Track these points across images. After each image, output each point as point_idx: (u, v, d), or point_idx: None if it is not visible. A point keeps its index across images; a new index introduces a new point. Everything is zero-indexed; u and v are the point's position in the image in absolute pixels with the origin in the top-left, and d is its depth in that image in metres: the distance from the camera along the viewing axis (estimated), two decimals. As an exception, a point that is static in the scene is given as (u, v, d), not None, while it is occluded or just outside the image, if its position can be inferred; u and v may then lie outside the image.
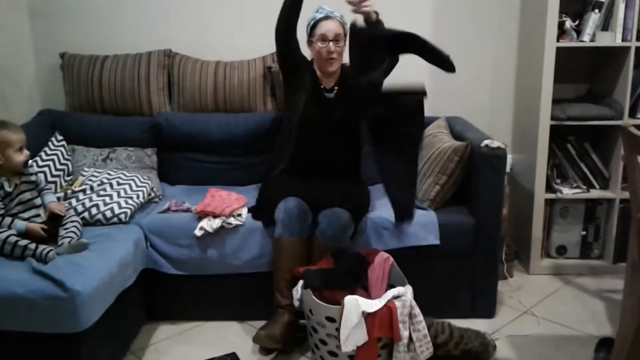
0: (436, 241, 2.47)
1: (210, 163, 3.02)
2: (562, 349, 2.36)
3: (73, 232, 2.23)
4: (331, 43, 2.58)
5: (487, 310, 2.59)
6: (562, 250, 3.06)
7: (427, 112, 3.22)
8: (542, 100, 2.84)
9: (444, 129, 2.86)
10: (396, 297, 2.09)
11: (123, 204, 2.52)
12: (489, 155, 2.43)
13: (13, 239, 2.10)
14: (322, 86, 2.68)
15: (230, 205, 2.52)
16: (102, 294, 2.01)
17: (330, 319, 2.06)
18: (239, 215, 2.52)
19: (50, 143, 2.84)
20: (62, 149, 2.85)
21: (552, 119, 2.86)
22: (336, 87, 2.70)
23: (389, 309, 2.04)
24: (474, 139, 2.57)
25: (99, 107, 3.08)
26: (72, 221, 2.29)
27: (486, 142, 2.45)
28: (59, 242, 2.17)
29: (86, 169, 2.78)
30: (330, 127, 2.62)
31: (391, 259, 2.28)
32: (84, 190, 2.57)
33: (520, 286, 2.91)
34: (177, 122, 2.99)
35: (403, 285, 2.19)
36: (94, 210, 2.47)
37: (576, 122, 2.86)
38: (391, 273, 2.29)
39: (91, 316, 1.93)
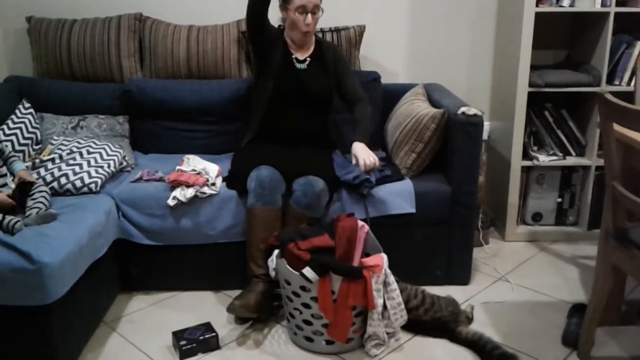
0: (412, 209, 2.45)
1: (183, 131, 2.96)
2: (536, 314, 2.38)
3: (41, 202, 2.17)
4: (309, 15, 2.51)
5: (462, 277, 2.60)
6: (537, 217, 3.08)
7: (405, 79, 3.23)
8: (520, 67, 2.81)
9: (422, 96, 2.82)
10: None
11: (93, 173, 2.46)
12: (466, 122, 2.41)
13: (-22, 209, 2.04)
14: (293, 56, 2.61)
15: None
16: (72, 266, 1.96)
17: (305, 289, 2.05)
18: (213, 184, 2.47)
19: (17, 111, 2.75)
20: (29, 116, 2.76)
21: (530, 85, 2.84)
22: (309, 58, 2.63)
23: (363, 277, 2.03)
24: (451, 106, 2.54)
25: (68, 73, 2.98)
26: (41, 191, 2.23)
27: (463, 109, 2.43)
28: (27, 213, 2.11)
29: (55, 138, 2.70)
30: (301, 97, 2.57)
31: (366, 227, 2.26)
32: (52, 159, 2.50)
33: (496, 253, 2.93)
34: (148, 89, 2.91)
35: (378, 253, 2.18)
36: (63, 180, 2.40)
37: (554, 89, 2.84)
38: (367, 241, 2.28)
39: (60, 288, 1.89)
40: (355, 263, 2.27)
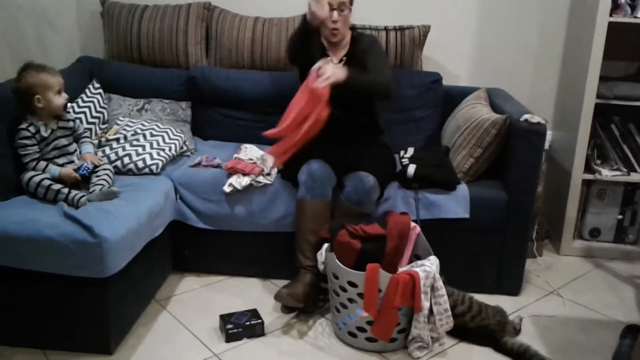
0: (466, 215, 2.42)
1: (243, 120, 3.01)
2: (587, 332, 2.32)
3: (105, 179, 2.25)
4: (335, 12, 2.49)
5: (513, 287, 2.55)
6: (595, 233, 2.98)
7: (468, 82, 3.18)
8: (589, 77, 2.73)
9: (484, 100, 2.77)
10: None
11: (155, 156, 2.53)
12: (528, 130, 2.35)
13: (47, 182, 2.14)
14: (329, 57, 2.59)
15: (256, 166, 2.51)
16: (130, 242, 2.04)
17: (352, 284, 2.06)
18: (268, 174, 2.51)
19: (87, 90, 2.86)
20: (98, 96, 2.87)
21: (598, 97, 2.75)
22: (344, 58, 2.62)
23: (412, 277, 2.02)
24: (513, 112, 2.49)
25: (137, 57, 3.08)
26: (105, 169, 2.32)
27: (526, 116, 2.37)
28: (91, 189, 2.20)
29: (121, 118, 2.79)
30: (338, 99, 2.55)
31: (418, 228, 2.25)
32: (117, 139, 2.59)
33: (549, 266, 2.86)
34: (212, 77, 2.97)
35: (429, 256, 2.16)
36: (126, 160, 2.49)
37: (623, 102, 2.75)
38: (417, 243, 2.27)
39: (118, 263, 1.96)
40: (404, 262, 2.28)
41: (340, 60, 2.62)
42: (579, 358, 2.15)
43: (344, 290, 2.09)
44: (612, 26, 2.68)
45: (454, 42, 3.15)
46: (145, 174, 2.49)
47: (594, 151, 2.92)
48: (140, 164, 2.48)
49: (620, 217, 2.95)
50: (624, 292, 2.65)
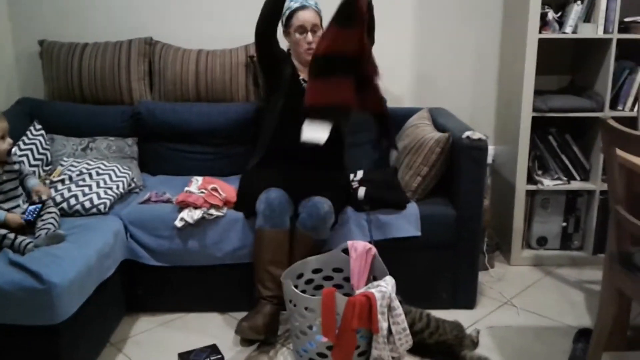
0: (417, 233, 2.47)
1: (191, 153, 2.99)
2: (542, 339, 2.38)
3: (51, 223, 2.20)
4: (309, 34, 2.56)
5: (468, 301, 2.61)
6: (542, 242, 3.08)
7: (410, 103, 3.27)
8: (524, 92, 2.85)
9: (427, 120, 2.85)
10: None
11: (102, 195, 2.49)
12: (470, 146, 2.43)
13: (-9, 229, 2.07)
14: (300, 77, 2.65)
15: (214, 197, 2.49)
16: (80, 286, 1.98)
17: (310, 310, 2.06)
18: (225, 204, 2.49)
19: (28, 132, 2.79)
20: (40, 138, 2.81)
21: (534, 110, 2.87)
22: None
23: (368, 299, 2.04)
24: (455, 130, 2.57)
25: (79, 95, 3.03)
26: (50, 212, 2.26)
27: (467, 133, 2.46)
28: (37, 234, 2.14)
29: (65, 159, 2.74)
30: None
31: (374, 249, 2.28)
32: (62, 181, 2.53)
33: (501, 277, 2.93)
34: (157, 111, 2.95)
35: (384, 276, 2.19)
36: (72, 201, 2.43)
37: (558, 114, 2.88)
38: (373, 265, 2.29)
39: (69, 308, 1.91)
40: (362, 284, 2.29)
41: None
42: (536, 365, 2.21)
43: (302, 316, 2.09)
44: (542, 42, 2.82)
45: (395, 64, 3.24)
46: (93, 214, 2.44)
47: (535, 162, 3.03)
48: (88, 204, 2.44)
49: (564, 224, 3.06)
50: (574, 297, 2.74)
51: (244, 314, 2.43)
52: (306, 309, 2.06)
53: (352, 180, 2.67)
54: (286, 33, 2.62)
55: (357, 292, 2.23)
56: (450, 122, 2.76)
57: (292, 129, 2.58)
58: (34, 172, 2.65)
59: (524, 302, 2.68)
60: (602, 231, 2.99)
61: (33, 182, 2.37)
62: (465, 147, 2.44)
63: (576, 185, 3.00)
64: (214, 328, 2.48)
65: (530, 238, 3.09)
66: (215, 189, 2.51)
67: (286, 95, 2.59)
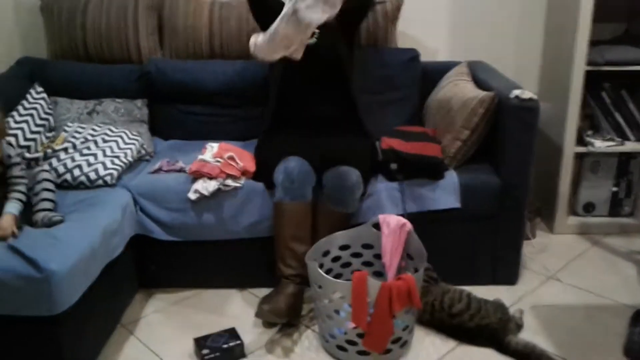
0: (457, 204, 2.22)
1: (206, 115, 2.75)
2: (593, 320, 2.15)
3: (46, 208, 1.98)
4: None
5: (510, 276, 2.38)
6: (589, 208, 2.82)
7: (446, 56, 2.96)
8: (578, 43, 2.52)
9: (466, 76, 2.56)
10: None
11: (109, 165, 2.27)
12: (520, 107, 2.15)
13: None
14: None
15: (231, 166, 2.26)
16: (83, 271, 1.79)
17: (338, 294, 1.85)
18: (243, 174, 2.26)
19: (28, 95, 2.57)
20: (42, 101, 2.58)
21: (588, 63, 2.55)
22: (317, 30, 2.37)
23: (405, 282, 1.82)
24: (501, 88, 2.28)
25: (83, 54, 2.79)
26: (45, 188, 2.02)
27: (516, 92, 2.16)
28: (33, 219, 1.94)
29: (70, 124, 2.52)
30: (315, 74, 2.32)
31: (409, 225, 2.04)
32: (65, 149, 2.33)
33: (544, 248, 2.68)
34: (168, 70, 2.70)
35: (421, 256, 1.96)
36: (76, 172, 2.23)
37: (615, 68, 2.55)
38: (408, 241, 2.06)
39: (70, 297, 1.71)
40: (394, 263, 2.08)
41: (312, 34, 2.36)
42: (588, 351, 1.98)
43: (330, 300, 1.88)
44: (599, -15, 2.48)
45: (429, 14, 2.92)
46: (99, 186, 2.24)
47: (585, 122, 2.73)
48: (93, 176, 2.23)
49: (615, 189, 2.78)
50: (626, 271, 2.49)
51: (264, 290, 2.27)
52: (334, 292, 1.85)
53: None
54: None
55: (389, 272, 2.02)
56: (494, 78, 2.46)
57: (299, 90, 2.34)
58: (35, 139, 2.43)
59: (571, 277, 2.44)
60: (657, 197, 2.72)
61: (9, 208, 1.90)
62: (513, 108, 2.15)
63: (630, 146, 2.70)
64: (233, 306, 2.30)
65: (577, 204, 2.82)
66: (232, 157, 2.28)
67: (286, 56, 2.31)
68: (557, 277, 2.45)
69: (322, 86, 2.35)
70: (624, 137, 2.72)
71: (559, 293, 2.34)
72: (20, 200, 1.94)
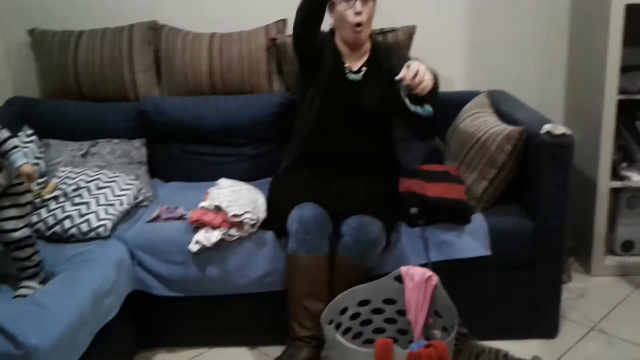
0: (486, 252, 2.00)
1: (208, 155, 2.56)
2: (646, 380, 1.91)
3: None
4: (358, 2, 2.07)
5: (548, 329, 2.14)
6: (628, 246, 2.59)
7: (463, 85, 2.77)
8: (608, 69, 2.32)
9: (487, 107, 2.36)
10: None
11: (102, 215, 2.07)
12: (552, 144, 1.94)
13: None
14: (345, 65, 2.19)
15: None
16: (70, 342, 1.58)
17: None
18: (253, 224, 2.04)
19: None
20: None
21: (620, 92, 2.35)
22: (364, 68, 2.20)
23: (437, 349, 1.59)
24: (529, 122, 2.07)
25: (77, 91, 2.62)
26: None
27: (547, 127, 1.96)
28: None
29: (62, 168, 2.33)
30: (352, 115, 2.14)
31: (435, 278, 1.82)
32: (55, 198, 2.13)
33: (582, 293, 2.45)
34: (167, 108, 2.52)
35: (451, 314, 1.74)
36: (67, 224, 2.03)
37: (650, 95, 2.35)
38: (434, 296, 1.84)
39: (55, 374, 1.50)
40: (420, 322, 1.85)
41: (359, 71, 2.19)
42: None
43: (352, 370, 1.65)
44: (630, 8, 2.28)
45: (444, 41, 2.73)
46: (92, 238, 2.03)
47: (619, 153, 2.52)
48: (85, 228, 2.02)
49: (654, 225, 2.56)
50: (675, 318, 2.25)
51: (276, 348, 2.05)
52: (355, 362, 1.63)
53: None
54: (329, 7, 2.13)
55: (416, 331, 1.80)
56: (519, 110, 2.26)
57: (332, 127, 2.15)
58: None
59: (615, 327, 2.21)
60: (701, 233, 2.49)
61: (18, 159, 1.72)
62: (545, 144, 1.95)
63: (669, 178, 2.48)
64: (242, 369, 2.07)
65: (614, 243, 2.59)
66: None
67: (326, 87, 2.13)
68: (601, 327, 2.21)
69: (359, 128, 2.16)
70: (662, 169, 2.50)
71: (605, 347, 2.10)
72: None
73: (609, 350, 2.08)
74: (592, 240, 2.53)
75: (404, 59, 2.10)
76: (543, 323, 2.13)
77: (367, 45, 2.23)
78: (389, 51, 2.25)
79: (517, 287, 2.08)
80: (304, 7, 1.98)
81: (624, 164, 2.52)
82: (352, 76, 2.18)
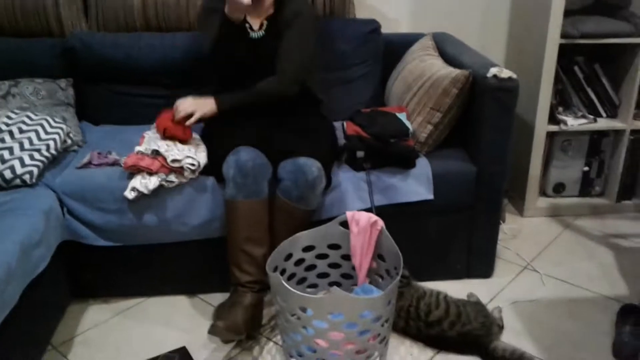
0: (430, 196, 2.01)
1: (142, 97, 2.42)
2: (576, 316, 2.01)
3: None
4: None
5: (485, 269, 2.20)
6: (560, 188, 2.67)
7: (408, 27, 2.72)
8: (553, 13, 2.32)
9: (432, 50, 2.33)
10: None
11: (27, 160, 1.93)
12: (498, 87, 1.93)
13: None
14: (247, 24, 2.07)
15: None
16: (-2, 297, 1.48)
17: (306, 310, 1.61)
18: (192, 166, 1.95)
19: None
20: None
21: (562, 36, 2.36)
22: (265, 22, 2.09)
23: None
24: (474, 65, 2.05)
25: (-7, 26, 2.39)
26: None
27: (494, 70, 1.95)
28: None
29: (-21, 110, 2.14)
30: (260, 69, 2.04)
31: (380, 223, 1.82)
32: (-26, 142, 1.96)
33: (516, 234, 2.52)
34: (96, 45, 2.34)
35: (395, 256, 1.74)
36: (-12, 170, 1.88)
37: (590, 40, 2.38)
38: (380, 240, 1.84)
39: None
40: (365, 267, 1.85)
41: (261, 26, 2.07)
42: (575, 353, 1.83)
43: (297, 317, 1.64)
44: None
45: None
46: (17, 186, 1.89)
47: (556, 98, 2.56)
48: (8, 174, 1.88)
49: (586, 168, 2.64)
50: (603, 257, 2.36)
51: (216, 295, 2.05)
52: (301, 308, 1.61)
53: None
54: None
55: (360, 275, 1.81)
56: (465, 53, 2.23)
57: (244, 81, 2.05)
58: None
59: (547, 266, 2.30)
60: (629, 176, 2.59)
61: None
62: (490, 88, 1.94)
63: (603, 123, 2.55)
64: (182, 317, 2.03)
65: (547, 185, 2.67)
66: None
67: (228, 46, 1.98)
68: (533, 266, 2.29)
69: (268, 73, 2.06)
70: (596, 114, 2.57)
71: (537, 285, 2.18)
72: None
73: (541, 288, 2.17)
74: (526, 182, 2.60)
75: (297, 25, 2.04)
76: (480, 264, 2.18)
77: (269, 2, 2.09)
78: (296, 14, 2.07)
79: (457, 230, 2.11)
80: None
81: (560, 109, 2.57)
82: (253, 34, 2.07)
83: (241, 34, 2.03)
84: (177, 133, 1.97)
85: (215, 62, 2.09)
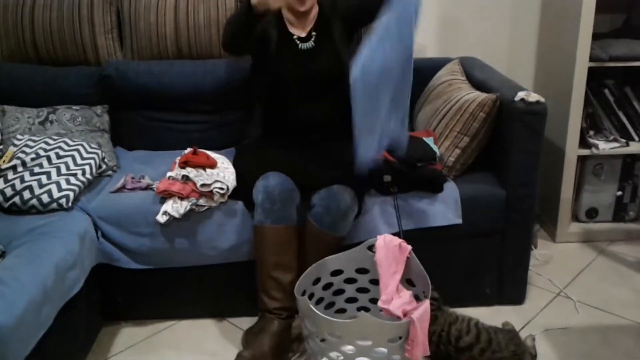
0: (458, 220, 2.00)
1: (174, 123, 2.48)
2: (611, 344, 1.96)
3: None
4: None
5: (516, 295, 2.17)
6: (592, 214, 2.63)
7: (435, 52, 2.73)
8: (580, 36, 2.31)
9: (460, 75, 2.34)
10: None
11: (64, 185, 1.99)
12: (525, 111, 1.93)
13: None
14: (294, 36, 2.11)
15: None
16: (34, 318, 1.51)
17: (333, 334, 1.61)
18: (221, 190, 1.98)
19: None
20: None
21: (591, 59, 2.35)
22: (313, 33, 2.13)
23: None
24: (502, 89, 2.06)
25: (34, 55, 2.49)
26: None
27: (521, 94, 1.95)
28: None
29: (19, 136, 2.21)
30: (308, 84, 2.08)
31: (408, 247, 1.81)
32: (14, 167, 2.03)
33: (549, 259, 2.48)
34: (130, 73, 2.42)
35: (424, 282, 1.73)
36: (26, 195, 1.94)
37: (620, 64, 2.36)
38: (408, 265, 1.83)
39: (20, 350, 1.45)
40: (392, 292, 1.84)
41: (309, 37, 2.11)
42: (611, 383, 1.79)
43: (326, 343, 1.64)
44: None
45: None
46: (53, 210, 1.95)
47: (587, 121, 2.54)
48: (46, 199, 1.94)
49: (619, 193, 2.60)
50: (637, 284, 2.30)
51: (245, 320, 2.05)
52: (332, 334, 1.61)
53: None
54: None
55: (382, 295, 1.80)
56: (492, 77, 2.24)
57: (290, 100, 2.09)
58: (-21, 156, 2.13)
59: (581, 293, 2.25)
60: (664, 200, 2.55)
61: None
62: (518, 112, 1.94)
63: (635, 147, 2.51)
64: (211, 340, 2.04)
65: (579, 210, 2.64)
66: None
67: (276, 62, 2.06)
68: (566, 293, 2.25)
69: (317, 96, 2.10)
70: (628, 138, 2.53)
71: (571, 312, 2.14)
72: None
73: (575, 315, 2.12)
74: (558, 207, 2.56)
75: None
76: (512, 289, 2.15)
77: (315, 9, 2.14)
78: (334, 3, 2.14)
79: (487, 255, 2.09)
80: (235, 25, 1.95)
81: (591, 132, 2.54)
82: (302, 45, 2.11)
83: (291, 46, 2.07)
84: (200, 161, 2.00)
85: (264, 84, 2.12)
